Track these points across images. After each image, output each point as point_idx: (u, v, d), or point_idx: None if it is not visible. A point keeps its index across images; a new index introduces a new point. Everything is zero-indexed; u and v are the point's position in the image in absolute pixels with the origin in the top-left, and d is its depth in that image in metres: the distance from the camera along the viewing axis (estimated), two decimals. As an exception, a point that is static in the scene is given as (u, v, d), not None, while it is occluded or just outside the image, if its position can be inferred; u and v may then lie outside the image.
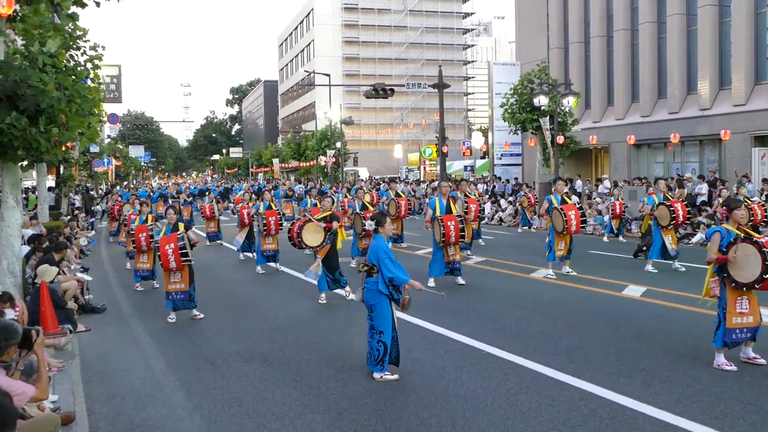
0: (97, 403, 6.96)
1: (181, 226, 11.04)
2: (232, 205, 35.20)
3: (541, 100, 28.81)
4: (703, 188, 23.93)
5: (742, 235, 7.52)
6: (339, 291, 12.21)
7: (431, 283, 12.87)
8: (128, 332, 10.23)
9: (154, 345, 9.32)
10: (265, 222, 15.54)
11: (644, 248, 16.75)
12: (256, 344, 9.16)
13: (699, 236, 19.56)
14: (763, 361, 7.49)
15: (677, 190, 22.88)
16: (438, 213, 13.00)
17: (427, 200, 34.17)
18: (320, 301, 11.89)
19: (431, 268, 13.14)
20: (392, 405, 6.59)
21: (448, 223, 12.66)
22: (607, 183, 29.63)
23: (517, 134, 35.58)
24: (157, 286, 14.06)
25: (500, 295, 12.37)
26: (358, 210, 16.25)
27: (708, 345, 8.35)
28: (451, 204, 13.19)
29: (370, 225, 7.69)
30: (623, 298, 11.81)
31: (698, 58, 31.51)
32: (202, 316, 10.83)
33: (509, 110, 32.35)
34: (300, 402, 6.77)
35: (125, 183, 75.17)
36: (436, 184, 38.93)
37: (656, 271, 14.46)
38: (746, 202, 15.15)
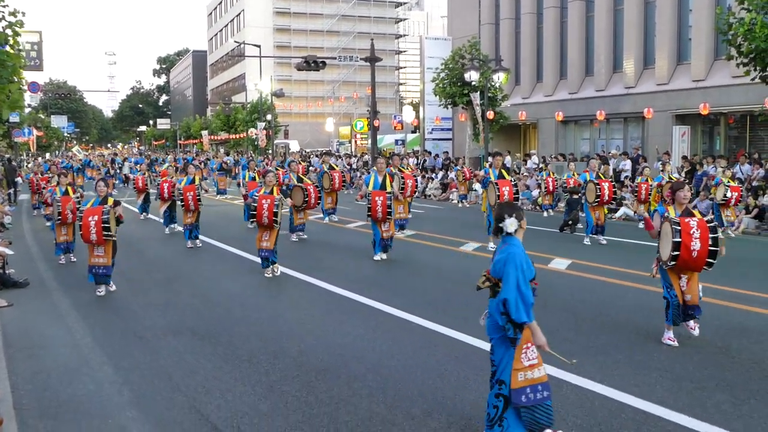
0: (22, 379, 6.79)
1: (111, 200, 10.77)
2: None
3: (472, 76, 29.12)
4: (627, 164, 24.67)
5: (674, 214, 7.72)
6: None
7: (377, 257, 13.15)
8: (53, 307, 9.97)
9: (80, 320, 9.12)
10: (182, 197, 15.29)
11: (570, 222, 17.21)
12: (185, 318, 9.06)
13: (622, 211, 20.18)
14: (696, 332, 7.60)
15: (602, 167, 23.50)
16: (371, 188, 13.19)
17: (359, 174, 34.30)
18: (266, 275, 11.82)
19: (376, 246, 13.32)
20: (323, 377, 6.65)
21: (376, 199, 12.96)
22: (535, 159, 30.21)
23: (448, 109, 35.93)
24: (74, 260, 13.65)
25: (430, 269, 12.54)
26: (295, 182, 16.19)
27: (629, 316, 8.73)
28: (387, 181, 13.38)
29: (512, 224, 5.32)
30: (549, 270, 12.12)
31: (624, 37, 32.29)
32: (114, 288, 10.70)
33: (440, 85, 32.58)
34: (231, 375, 6.76)
35: (47, 155, 72.60)
36: (366, 158, 38.98)
37: (590, 244, 15.01)
38: (672, 180, 15.76)
